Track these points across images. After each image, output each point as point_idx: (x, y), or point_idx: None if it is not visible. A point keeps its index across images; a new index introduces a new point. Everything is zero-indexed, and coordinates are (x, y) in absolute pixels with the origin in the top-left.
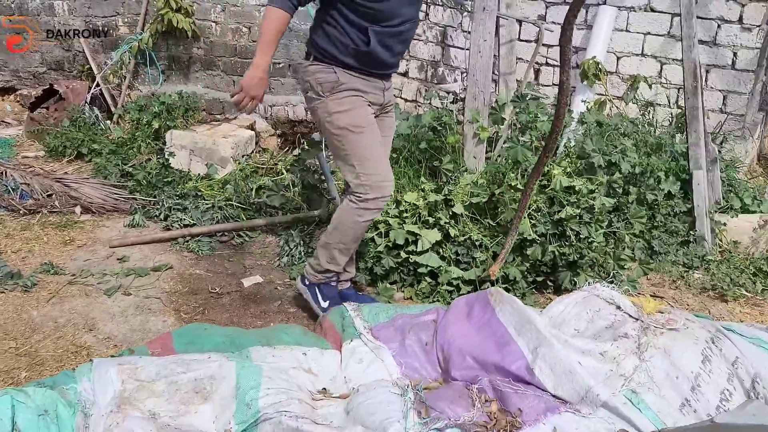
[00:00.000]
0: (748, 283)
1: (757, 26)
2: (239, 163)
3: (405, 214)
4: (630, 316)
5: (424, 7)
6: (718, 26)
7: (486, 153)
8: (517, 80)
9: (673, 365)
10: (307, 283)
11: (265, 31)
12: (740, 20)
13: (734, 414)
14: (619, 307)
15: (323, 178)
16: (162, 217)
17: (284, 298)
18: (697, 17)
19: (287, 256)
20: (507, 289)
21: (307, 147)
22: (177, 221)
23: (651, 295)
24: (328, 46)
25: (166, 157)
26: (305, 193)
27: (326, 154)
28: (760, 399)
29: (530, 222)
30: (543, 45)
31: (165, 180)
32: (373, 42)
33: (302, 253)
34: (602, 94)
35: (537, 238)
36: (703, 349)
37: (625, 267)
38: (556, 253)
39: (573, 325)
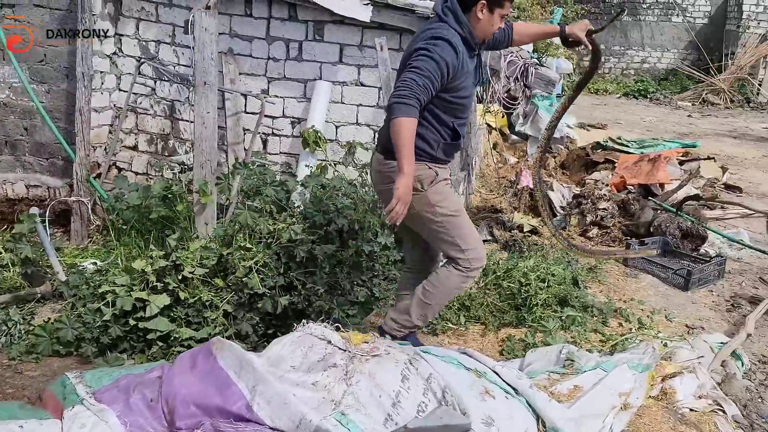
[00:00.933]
0: (453, 318)
1: None
2: None
3: (133, 282)
4: (339, 348)
5: (151, 82)
6: None
7: (219, 218)
8: (245, 149)
9: (376, 386)
10: (389, 338)
11: (404, 141)
12: None
13: (425, 419)
14: (330, 342)
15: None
16: None
17: (1, 380)
18: None
19: (5, 335)
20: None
21: (23, 221)
22: None
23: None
24: (422, 145)
25: None
26: (25, 269)
27: (50, 230)
28: (449, 406)
29: (258, 277)
30: (267, 116)
31: None
32: (460, 134)
33: (22, 332)
34: (323, 160)
35: (267, 291)
36: (402, 369)
37: (350, 312)
38: (286, 304)
39: (289, 361)
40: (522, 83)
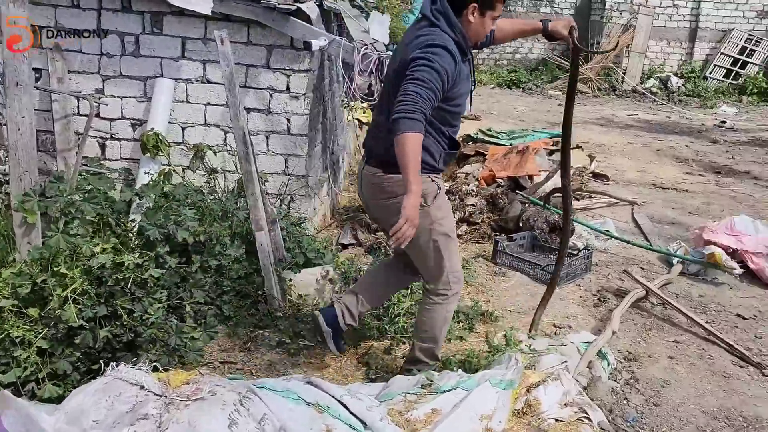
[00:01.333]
0: (309, 334)
1: (303, 94)
2: None
3: None
4: (154, 393)
5: None
6: (270, 95)
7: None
8: (78, 155)
9: None
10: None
11: (412, 158)
12: (288, 89)
13: None
14: (143, 387)
15: None
16: None
17: None
18: (251, 87)
19: None
20: (56, 385)
21: None
22: None
23: (220, 362)
24: (426, 157)
25: None
26: None
27: None
28: None
29: (76, 307)
30: (104, 119)
31: None
32: (456, 141)
33: None
34: (167, 165)
35: (85, 323)
36: (231, 412)
37: (195, 336)
38: (110, 336)
39: (93, 416)
40: (377, 77)
